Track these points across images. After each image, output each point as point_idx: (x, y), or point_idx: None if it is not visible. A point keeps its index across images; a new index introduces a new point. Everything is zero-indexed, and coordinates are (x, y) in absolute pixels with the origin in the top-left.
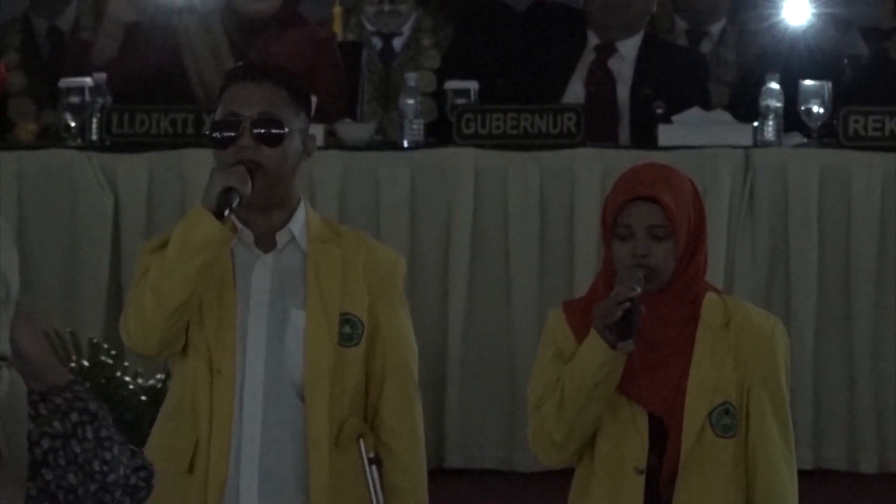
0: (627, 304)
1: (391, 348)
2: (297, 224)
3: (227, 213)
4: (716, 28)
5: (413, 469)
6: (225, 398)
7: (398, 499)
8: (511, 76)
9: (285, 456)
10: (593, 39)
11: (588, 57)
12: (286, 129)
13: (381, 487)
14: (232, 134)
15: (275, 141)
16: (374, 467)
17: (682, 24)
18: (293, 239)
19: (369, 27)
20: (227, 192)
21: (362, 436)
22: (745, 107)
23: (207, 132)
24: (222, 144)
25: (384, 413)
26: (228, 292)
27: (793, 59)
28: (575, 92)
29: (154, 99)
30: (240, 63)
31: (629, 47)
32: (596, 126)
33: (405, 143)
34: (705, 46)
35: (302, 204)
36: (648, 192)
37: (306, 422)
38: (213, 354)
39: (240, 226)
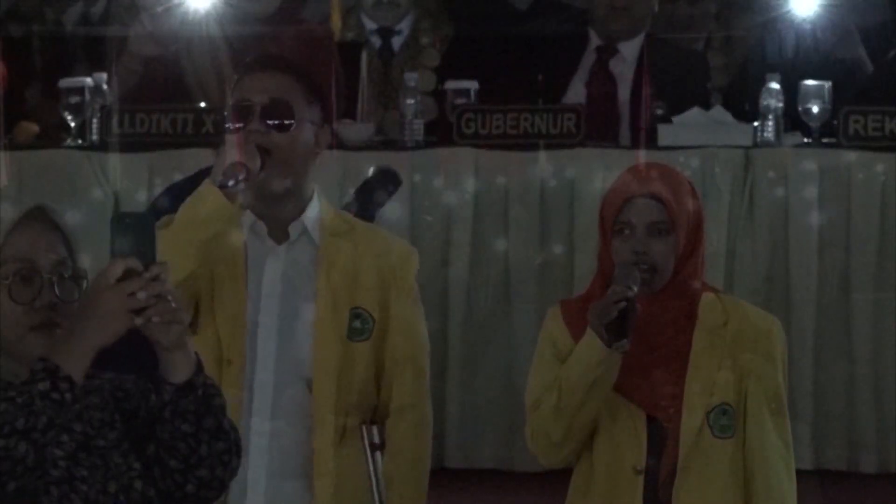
0: (623, 304)
1: (401, 342)
2: (311, 216)
3: (230, 183)
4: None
5: (412, 461)
6: (233, 389)
7: (392, 489)
8: (511, 75)
9: (292, 450)
10: (595, 40)
11: (589, 57)
12: (296, 117)
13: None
14: (243, 119)
15: (285, 127)
16: (378, 454)
17: None
18: (306, 231)
19: (368, 24)
20: (234, 166)
21: (365, 422)
22: (738, 109)
23: (223, 117)
24: (234, 129)
25: (391, 406)
26: (240, 284)
27: (786, 61)
28: (576, 92)
29: (155, 100)
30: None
31: (631, 48)
32: (596, 127)
33: (405, 143)
34: None
35: (316, 196)
36: (649, 189)
37: (313, 416)
38: (223, 345)
39: (253, 217)
